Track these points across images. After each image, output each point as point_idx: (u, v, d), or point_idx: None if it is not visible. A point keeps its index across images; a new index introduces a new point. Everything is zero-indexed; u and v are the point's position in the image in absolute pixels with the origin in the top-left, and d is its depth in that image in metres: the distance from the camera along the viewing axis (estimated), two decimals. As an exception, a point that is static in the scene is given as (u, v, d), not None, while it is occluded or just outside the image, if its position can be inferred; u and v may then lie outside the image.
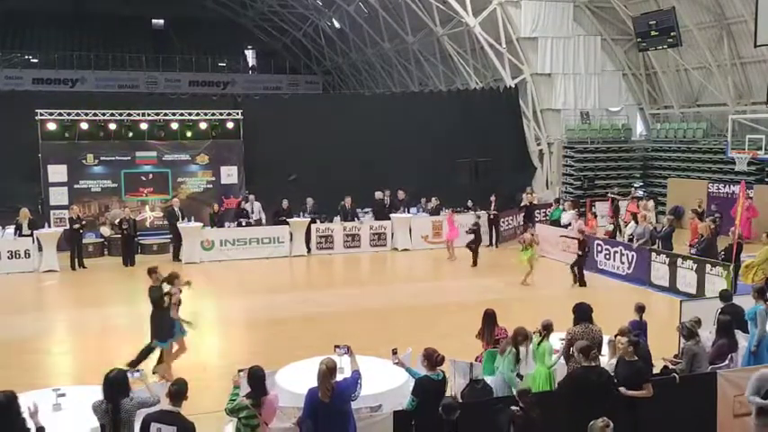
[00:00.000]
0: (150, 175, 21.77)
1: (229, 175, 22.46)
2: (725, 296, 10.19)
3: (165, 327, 10.27)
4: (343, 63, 42.15)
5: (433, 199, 22.31)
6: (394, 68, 36.94)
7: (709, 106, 25.94)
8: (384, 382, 7.92)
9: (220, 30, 44.24)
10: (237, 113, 22.46)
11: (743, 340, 9.30)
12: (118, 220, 19.59)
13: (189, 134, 22.09)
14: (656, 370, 8.49)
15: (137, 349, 11.63)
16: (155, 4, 42.39)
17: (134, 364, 10.08)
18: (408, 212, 21.98)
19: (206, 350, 11.95)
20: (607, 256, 17.69)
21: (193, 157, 22.13)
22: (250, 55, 48.63)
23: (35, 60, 41.77)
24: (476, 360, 8.90)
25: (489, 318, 9.05)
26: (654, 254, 16.26)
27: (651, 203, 21.98)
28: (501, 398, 7.46)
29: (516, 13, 26.35)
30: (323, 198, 21.33)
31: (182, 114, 21.90)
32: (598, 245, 18.05)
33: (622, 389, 7.22)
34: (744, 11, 21.90)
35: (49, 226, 19.78)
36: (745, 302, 9.82)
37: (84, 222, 19.30)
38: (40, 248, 18.58)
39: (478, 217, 19.96)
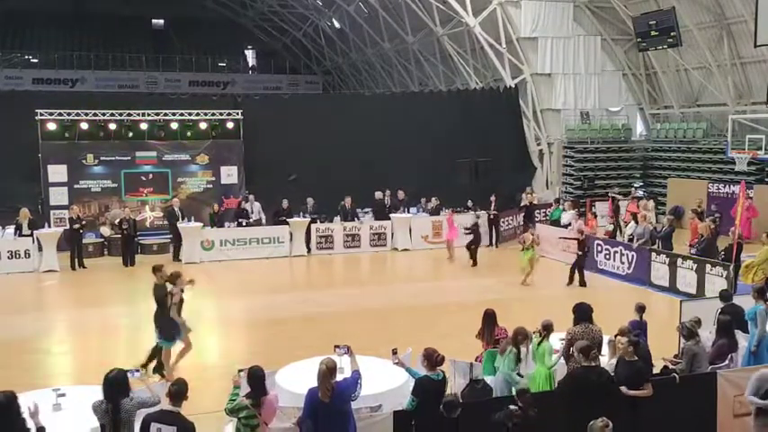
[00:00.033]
0: (150, 175, 21.77)
1: (229, 175, 22.46)
2: (725, 296, 10.20)
3: (170, 326, 10.27)
4: (343, 63, 42.15)
5: (433, 199, 22.31)
6: (394, 68, 36.94)
7: (709, 106, 25.94)
8: (384, 382, 7.92)
9: (220, 30, 44.24)
10: (237, 113, 22.46)
11: (743, 340, 9.30)
12: (118, 220, 19.59)
13: (189, 134, 22.09)
14: (656, 370, 8.49)
15: (136, 349, 11.66)
16: (155, 4, 42.40)
17: (146, 365, 10.12)
18: (408, 212, 21.99)
19: (206, 350, 11.95)
20: (607, 256, 17.69)
21: (193, 157, 22.13)
22: (250, 55, 48.64)
23: (35, 60, 41.78)
24: (476, 360, 8.91)
25: (489, 318, 9.05)
26: (654, 254, 16.26)
27: (651, 203, 21.98)
28: (501, 398, 7.46)
29: (516, 13, 26.36)
30: (323, 198, 21.33)
31: (182, 114, 21.90)
32: (598, 245, 18.05)
33: (623, 388, 7.23)
34: (744, 11, 21.90)
35: (49, 226, 19.78)
36: (745, 302, 9.82)
37: (84, 222, 19.30)
38: (40, 248, 18.58)
39: (478, 217, 19.97)
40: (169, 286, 10.33)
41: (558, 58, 26.92)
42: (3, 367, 10.67)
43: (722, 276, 14.05)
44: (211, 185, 22.32)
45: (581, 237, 16.53)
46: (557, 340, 8.64)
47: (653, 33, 24.61)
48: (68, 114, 20.85)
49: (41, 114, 20.58)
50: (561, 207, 21.60)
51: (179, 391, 6.13)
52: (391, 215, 21.62)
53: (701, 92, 26.15)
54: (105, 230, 20.44)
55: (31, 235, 18.49)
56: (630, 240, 17.61)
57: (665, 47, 24.81)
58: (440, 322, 13.13)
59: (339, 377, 6.74)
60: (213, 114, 22.23)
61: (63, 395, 7.41)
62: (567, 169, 27.28)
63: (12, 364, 10.98)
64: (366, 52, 38.00)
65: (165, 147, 21.81)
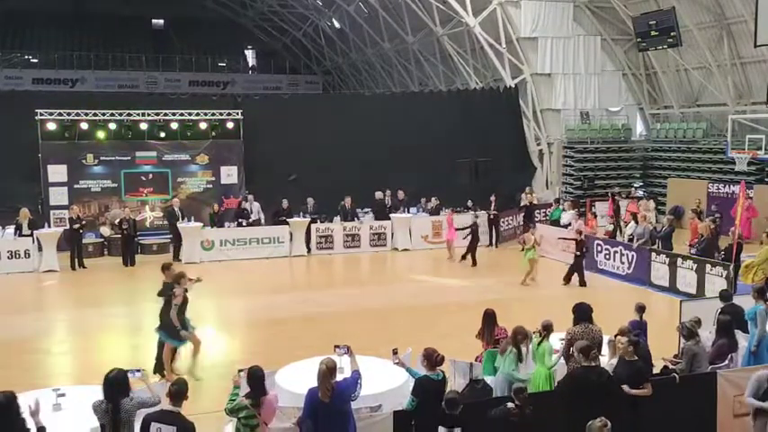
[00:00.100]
0: (150, 175, 21.77)
1: (229, 175, 22.46)
2: (725, 296, 10.20)
3: (173, 325, 10.29)
4: (343, 63, 42.16)
5: (433, 199, 22.32)
6: (394, 68, 36.94)
7: (709, 106, 25.94)
8: (384, 382, 7.92)
9: (220, 30, 44.24)
10: (237, 113, 22.46)
11: (743, 340, 9.30)
12: (118, 220, 19.59)
13: (189, 134, 22.08)
14: (656, 370, 8.49)
15: (136, 349, 11.69)
16: (155, 4, 42.40)
17: (161, 367, 10.14)
18: (408, 212, 21.99)
19: (206, 350, 11.93)
20: (607, 256, 17.69)
21: (193, 157, 22.13)
22: (250, 55, 48.64)
23: (35, 60, 41.77)
24: (476, 360, 8.91)
25: (489, 318, 9.05)
26: (654, 254, 16.26)
27: (651, 203, 21.99)
28: (501, 398, 7.46)
29: (516, 13, 26.36)
30: (323, 198, 21.33)
31: (182, 114, 21.89)
32: (598, 245, 18.06)
33: (625, 387, 7.23)
34: (744, 11, 21.90)
35: (49, 226, 19.78)
36: (745, 302, 9.82)
37: (84, 222, 19.30)
38: (40, 248, 18.58)
39: (476, 216, 19.96)
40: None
41: (557, 58, 26.92)
42: (3, 367, 10.67)
43: (722, 276, 14.05)
44: (211, 185, 22.32)
45: (579, 237, 16.54)
46: (557, 340, 8.64)
47: (653, 33, 24.62)
48: (68, 114, 20.85)
49: (41, 114, 20.58)
50: (561, 207, 21.62)
51: (179, 391, 6.14)
52: (391, 215, 21.62)
53: (701, 92, 26.15)
54: (105, 230, 20.45)
55: (31, 235, 18.49)
56: (630, 240, 17.61)
57: (665, 47, 24.82)
58: (440, 322, 13.13)
59: (339, 377, 6.74)
60: (213, 114, 22.22)
61: (63, 395, 7.40)
62: (566, 169, 27.28)
63: (12, 364, 10.98)
64: (366, 52, 38.00)
65: (165, 147, 21.81)
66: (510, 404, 6.75)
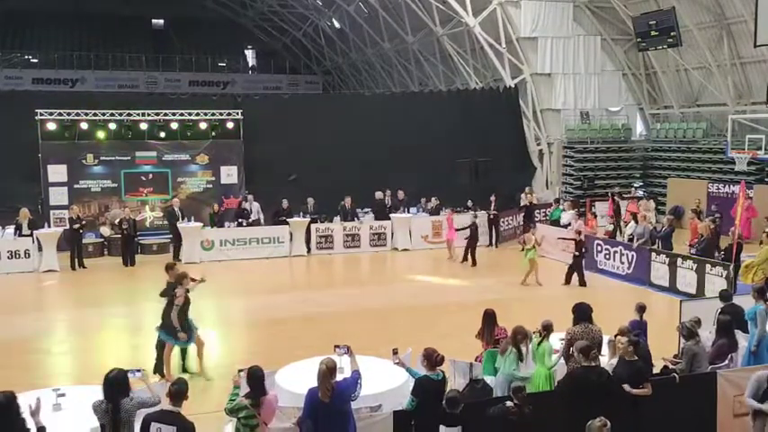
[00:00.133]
0: (150, 175, 21.77)
1: (229, 175, 22.46)
2: (725, 296, 10.20)
3: (183, 326, 10.31)
4: (343, 63, 42.16)
5: (433, 199, 22.32)
6: (394, 68, 36.94)
7: (709, 106, 25.94)
8: (384, 382, 7.92)
9: (220, 30, 44.25)
10: (237, 113, 22.46)
11: (743, 340, 9.30)
12: (118, 220, 19.59)
13: (189, 134, 22.07)
14: (656, 370, 8.49)
15: (136, 349, 11.69)
16: (155, 4, 42.40)
17: (162, 370, 10.16)
18: (408, 212, 21.99)
19: (206, 350, 11.92)
20: (607, 256, 17.69)
21: (193, 157, 22.13)
22: (250, 55, 48.64)
23: (35, 60, 41.78)
24: (476, 360, 8.91)
25: (489, 318, 9.05)
26: (654, 254, 16.26)
27: (652, 203, 21.99)
28: (501, 398, 7.47)
29: (516, 13, 26.36)
30: (323, 198, 21.32)
31: (182, 114, 21.89)
32: (598, 245, 18.06)
33: (626, 386, 7.23)
34: (744, 11, 21.90)
35: (49, 226, 19.77)
36: (745, 302, 9.82)
37: (84, 222, 19.30)
38: (40, 248, 18.58)
39: (475, 216, 19.95)
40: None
41: (557, 58, 26.92)
42: (3, 367, 10.67)
43: (722, 276, 14.05)
44: (211, 185, 22.32)
45: (578, 237, 16.54)
46: (557, 340, 8.65)
47: (653, 33, 24.61)
48: (68, 114, 20.85)
49: (41, 114, 20.58)
50: (561, 207, 21.61)
51: (179, 391, 6.14)
52: (391, 215, 21.63)
53: (700, 92, 26.15)
54: (105, 230, 20.45)
55: (31, 235, 18.49)
56: (630, 240, 17.61)
57: (665, 47, 24.82)
58: (440, 322, 13.13)
59: (339, 377, 6.74)
60: (213, 114, 22.22)
61: (63, 395, 7.40)
62: (566, 169, 27.28)
63: (12, 364, 10.98)
64: (366, 52, 38.00)
65: (165, 147, 21.81)
66: (509, 402, 6.78)
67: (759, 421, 7.27)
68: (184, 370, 10.49)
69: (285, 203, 20.77)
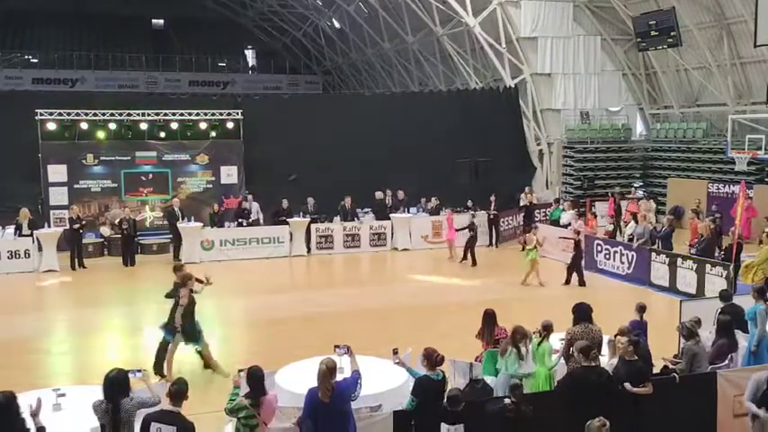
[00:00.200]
0: (150, 175, 21.77)
1: (229, 175, 22.46)
2: (725, 296, 10.20)
3: (191, 327, 10.32)
4: (343, 63, 42.16)
5: (433, 199, 22.32)
6: (394, 68, 36.94)
7: (709, 106, 25.94)
8: (384, 382, 7.92)
9: (220, 30, 44.24)
10: (237, 113, 22.46)
11: (743, 340, 9.30)
12: (118, 220, 19.59)
13: (189, 134, 22.07)
14: (656, 370, 8.49)
15: (136, 349, 11.68)
16: (155, 4, 42.40)
17: (162, 371, 10.15)
18: (408, 212, 21.99)
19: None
20: (607, 256, 17.69)
21: (193, 157, 22.14)
22: (250, 55, 48.64)
23: (35, 60, 41.78)
24: (476, 360, 8.91)
25: (489, 318, 9.04)
26: (654, 254, 16.26)
27: (652, 204, 21.98)
28: (501, 398, 7.47)
29: (516, 13, 26.36)
30: (323, 198, 21.33)
31: (182, 114, 21.89)
32: (598, 245, 18.06)
33: (627, 385, 7.24)
34: (744, 11, 21.90)
35: (49, 226, 19.77)
36: (745, 302, 9.82)
37: (84, 222, 19.30)
38: (40, 248, 18.58)
39: (474, 216, 19.92)
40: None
41: (557, 58, 26.92)
42: (3, 367, 10.67)
43: (722, 276, 14.05)
44: (211, 185, 22.33)
45: (576, 237, 16.54)
46: (557, 340, 8.65)
47: (653, 33, 24.61)
48: (68, 114, 20.85)
49: (41, 114, 20.58)
50: (561, 207, 21.62)
51: (179, 391, 6.14)
52: (391, 215, 21.63)
53: (700, 92, 26.15)
54: (105, 230, 20.45)
55: (31, 235, 18.49)
56: (630, 240, 17.61)
57: (665, 47, 24.81)
58: (440, 322, 13.13)
59: (339, 377, 6.74)
60: (213, 114, 22.22)
61: (63, 395, 7.40)
62: (566, 169, 27.28)
63: (12, 364, 10.98)
64: (366, 52, 38.00)
65: (165, 147, 21.81)
66: (506, 400, 6.82)
67: (758, 422, 7.27)
68: (206, 367, 10.54)
69: (285, 203, 20.77)
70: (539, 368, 8.21)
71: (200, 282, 10.77)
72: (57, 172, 20.77)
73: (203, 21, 43.77)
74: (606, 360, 8.01)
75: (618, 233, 20.51)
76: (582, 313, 8.59)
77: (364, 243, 21.18)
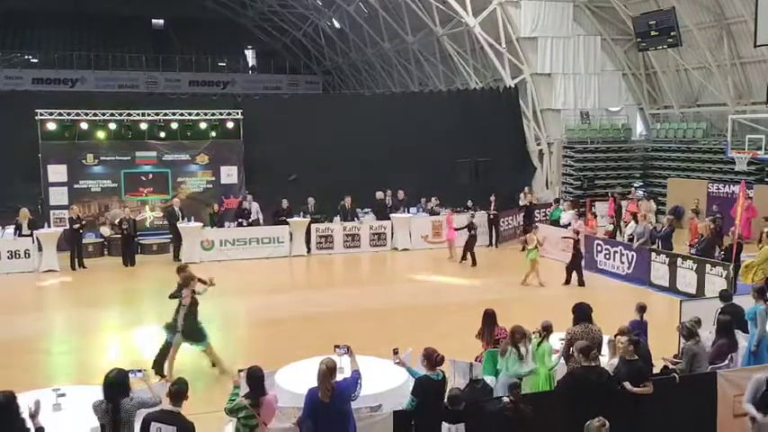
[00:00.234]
0: (150, 175, 21.77)
1: (229, 175, 22.47)
2: (725, 296, 10.20)
3: (194, 327, 10.33)
4: (343, 63, 42.15)
5: (433, 199, 22.32)
6: (394, 68, 36.94)
7: (709, 106, 25.94)
8: (384, 382, 7.92)
9: (220, 30, 44.24)
10: (237, 113, 22.46)
11: (743, 340, 9.29)
12: (118, 220, 19.59)
13: (189, 134, 22.07)
14: (656, 370, 8.49)
15: (136, 349, 11.68)
16: (155, 4, 42.40)
17: (162, 371, 10.17)
18: (408, 212, 21.99)
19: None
20: (607, 256, 17.69)
21: (193, 156, 22.14)
22: (250, 55, 48.64)
23: (35, 60, 41.77)
24: (476, 360, 8.91)
25: (489, 318, 9.04)
26: (654, 254, 16.26)
27: (652, 204, 21.98)
28: (500, 398, 7.48)
29: (516, 13, 26.35)
30: (323, 198, 21.33)
31: (182, 114, 21.89)
32: (598, 245, 18.06)
33: (627, 384, 7.23)
34: (744, 11, 21.90)
35: (49, 226, 19.77)
36: (745, 302, 9.82)
37: (84, 222, 19.30)
38: (40, 248, 18.58)
39: (472, 216, 19.91)
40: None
41: (557, 58, 26.91)
42: (3, 367, 10.67)
43: (722, 276, 14.06)
44: (211, 185, 22.33)
45: (575, 237, 16.54)
46: (557, 340, 8.65)
47: (653, 33, 24.61)
48: (68, 114, 20.85)
49: (41, 114, 20.58)
50: (561, 207, 21.62)
51: (179, 391, 6.14)
52: (391, 215, 21.63)
53: (700, 92, 26.14)
54: (105, 230, 20.45)
55: (31, 235, 18.49)
56: (630, 240, 17.61)
57: (665, 47, 24.81)
58: (440, 322, 13.13)
59: (339, 377, 6.74)
60: (213, 114, 22.22)
61: (63, 395, 7.40)
62: (566, 169, 27.28)
63: (12, 364, 10.98)
64: (366, 52, 38.00)
65: (165, 147, 21.82)
66: (505, 398, 6.85)
67: (757, 424, 7.25)
68: (213, 365, 10.59)
69: (285, 203, 20.77)
70: (539, 368, 8.21)
71: (203, 283, 10.77)
72: (57, 172, 20.78)
73: (203, 21, 43.76)
74: (606, 360, 8.01)
75: (618, 233, 20.51)
76: (582, 313, 8.59)
77: (364, 243, 21.18)
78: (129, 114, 21.39)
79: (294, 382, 7.92)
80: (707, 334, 9.15)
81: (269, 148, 22.48)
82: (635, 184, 26.16)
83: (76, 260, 18.73)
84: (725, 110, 24.40)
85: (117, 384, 6.21)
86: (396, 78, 37.56)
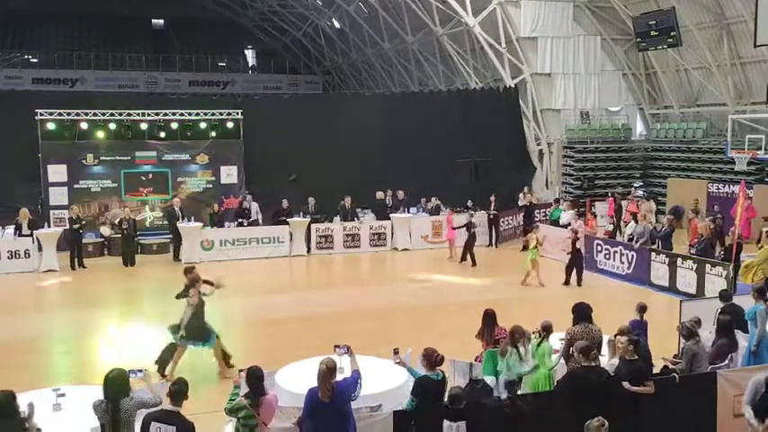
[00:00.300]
0: (150, 175, 21.78)
1: (229, 174, 22.47)
2: (725, 296, 10.20)
3: (201, 327, 10.32)
4: (343, 63, 42.15)
5: (433, 199, 22.32)
6: (394, 68, 36.94)
7: (708, 106, 25.93)
8: (384, 382, 7.92)
9: (220, 30, 44.23)
10: (237, 113, 22.46)
11: (743, 340, 9.30)
12: (118, 220, 19.60)
13: (189, 134, 22.07)
14: (656, 370, 8.49)
15: (137, 349, 11.68)
16: (155, 4, 42.38)
17: (164, 371, 10.16)
18: (408, 212, 21.99)
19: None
20: (607, 256, 17.69)
21: (193, 156, 22.14)
22: (250, 55, 48.64)
23: (35, 60, 41.77)
24: (476, 360, 8.91)
25: (489, 318, 9.04)
26: (654, 254, 16.26)
27: (653, 204, 21.98)
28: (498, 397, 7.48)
29: (516, 13, 26.35)
30: (323, 198, 21.33)
31: (182, 114, 21.89)
32: (598, 245, 18.06)
33: (626, 384, 7.23)
34: (744, 11, 21.90)
35: (49, 226, 19.77)
36: (745, 302, 9.83)
37: (84, 222, 19.30)
38: (40, 248, 18.58)
39: (471, 216, 19.91)
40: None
41: (557, 58, 26.91)
42: (3, 367, 10.67)
43: (722, 276, 14.06)
44: (211, 185, 22.33)
45: (574, 237, 16.54)
46: (557, 340, 8.65)
47: (653, 33, 24.60)
48: (68, 114, 20.85)
49: (41, 114, 20.58)
50: (561, 207, 21.62)
51: (179, 391, 6.15)
52: (391, 215, 21.63)
53: (700, 92, 26.14)
54: (105, 230, 20.45)
55: (31, 235, 18.49)
56: (630, 240, 17.61)
57: (665, 47, 24.80)
58: (440, 322, 13.14)
59: (339, 377, 6.74)
60: (213, 114, 22.22)
61: (63, 395, 7.39)
62: (566, 169, 27.28)
63: (12, 364, 10.98)
64: (366, 52, 37.99)
65: (165, 147, 21.82)
66: (503, 396, 6.92)
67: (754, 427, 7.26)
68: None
69: (285, 203, 20.77)
70: (539, 368, 8.21)
71: (210, 284, 10.77)
72: (57, 172, 20.78)
73: (203, 21, 43.75)
74: (606, 360, 8.01)
75: (618, 233, 20.50)
76: (582, 313, 8.59)
77: (364, 243, 21.19)
78: (128, 114, 21.39)
79: (294, 382, 7.92)
80: (707, 334, 9.15)
81: (269, 148, 22.49)
82: (635, 184, 26.17)
83: (76, 260, 18.73)
84: (725, 110, 24.40)
85: (117, 384, 6.21)
86: (396, 78, 37.55)
